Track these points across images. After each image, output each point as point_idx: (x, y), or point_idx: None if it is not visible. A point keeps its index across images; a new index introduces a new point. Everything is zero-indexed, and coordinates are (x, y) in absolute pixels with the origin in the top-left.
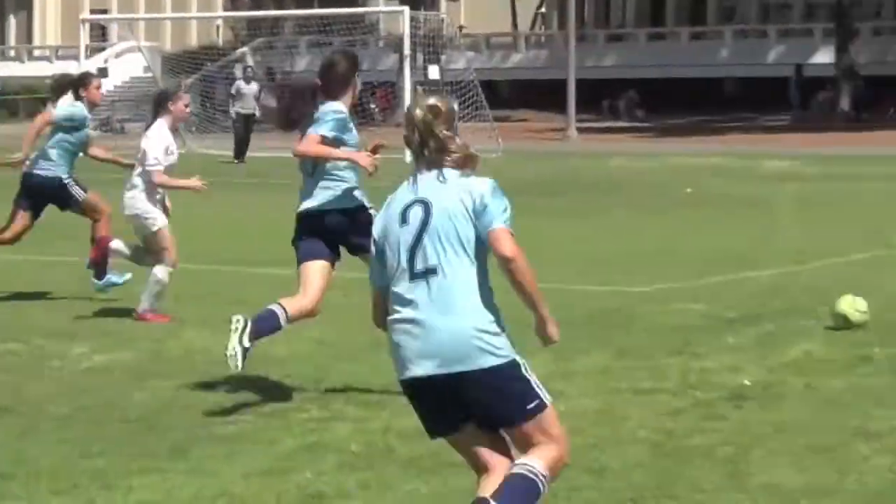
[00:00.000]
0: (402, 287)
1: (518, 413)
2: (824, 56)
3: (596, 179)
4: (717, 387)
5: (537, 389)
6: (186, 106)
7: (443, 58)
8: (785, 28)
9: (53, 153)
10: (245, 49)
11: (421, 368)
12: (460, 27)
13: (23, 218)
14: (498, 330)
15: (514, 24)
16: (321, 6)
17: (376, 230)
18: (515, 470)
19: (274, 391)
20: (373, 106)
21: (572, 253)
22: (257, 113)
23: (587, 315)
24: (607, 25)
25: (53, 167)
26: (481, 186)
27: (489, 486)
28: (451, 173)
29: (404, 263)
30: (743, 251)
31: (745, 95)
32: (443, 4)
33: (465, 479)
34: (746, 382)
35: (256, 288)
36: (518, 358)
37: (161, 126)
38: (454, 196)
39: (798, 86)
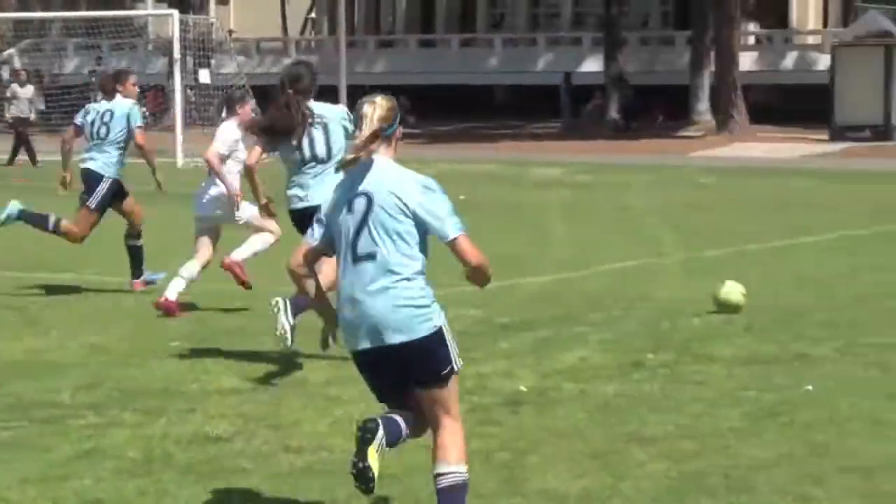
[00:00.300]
0: (347, 268)
1: (434, 376)
2: (593, 65)
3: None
4: (493, 392)
5: (453, 356)
6: (253, 111)
7: (213, 62)
8: (554, 36)
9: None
10: (12, 51)
11: (365, 342)
12: (230, 31)
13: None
14: (428, 302)
15: (285, 29)
16: (89, 8)
17: (326, 206)
18: (456, 480)
19: (50, 397)
20: (143, 109)
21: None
22: (32, 116)
23: None
24: (377, 32)
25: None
26: (413, 188)
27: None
28: (386, 168)
29: (349, 247)
30: (516, 257)
31: (515, 103)
32: (212, 8)
33: (244, 483)
34: (522, 388)
35: (27, 294)
36: (443, 325)
37: (231, 124)
38: (390, 192)
39: (568, 94)
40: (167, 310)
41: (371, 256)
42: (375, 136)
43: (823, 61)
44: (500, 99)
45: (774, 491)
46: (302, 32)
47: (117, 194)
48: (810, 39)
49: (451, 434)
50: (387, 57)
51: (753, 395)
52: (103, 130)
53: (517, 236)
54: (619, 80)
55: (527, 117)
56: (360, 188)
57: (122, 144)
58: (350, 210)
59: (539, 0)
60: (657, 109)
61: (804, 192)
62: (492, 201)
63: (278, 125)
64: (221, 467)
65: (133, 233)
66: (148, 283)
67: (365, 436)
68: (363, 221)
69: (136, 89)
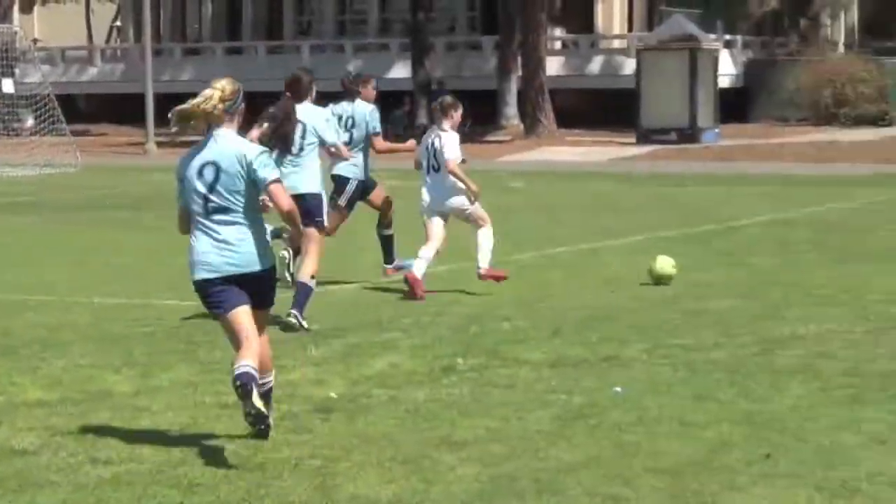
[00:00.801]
0: (203, 218)
1: (270, 301)
2: (401, 70)
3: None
4: (304, 400)
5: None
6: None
7: (17, 71)
8: (361, 43)
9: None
10: None
11: (222, 272)
12: (34, 40)
13: (342, 215)
14: (267, 243)
15: (90, 38)
16: None
17: (180, 172)
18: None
19: None
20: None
21: (157, 267)
22: None
23: (171, 329)
24: (184, 39)
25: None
26: (250, 152)
27: (250, 351)
28: (226, 139)
29: (202, 203)
30: (325, 265)
31: None
32: (16, 17)
33: (51, 496)
34: (333, 395)
35: None
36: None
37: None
38: (233, 158)
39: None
40: (413, 285)
41: (224, 209)
42: (208, 113)
43: (629, 65)
44: None
45: (584, 492)
46: (108, 40)
47: (365, 192)
48: (616, 44)
49: (266, 347)
50: (193, 64)
51: (562, 397)
52: (345, 136)
53: (327, 243)
54: (427, 85)
55: None
56: (209, 158)
57: (363, 146)
58: (201, 175)
59: (346, 6)
60: (465, 114)
61: (612, 195)
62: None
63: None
64: (28, 481)
65: (384, 222)
66: (399, 268)
67: (246, 388)
68: (214, 183)
69: (374, 92)
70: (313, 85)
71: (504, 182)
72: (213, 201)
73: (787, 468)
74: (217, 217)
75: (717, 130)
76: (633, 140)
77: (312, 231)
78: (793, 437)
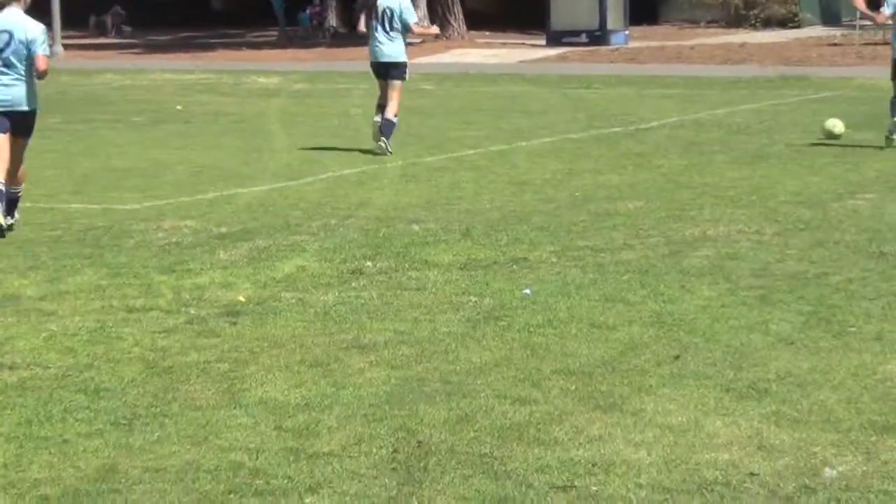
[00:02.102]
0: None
1: (29, 134)
2: None
3: (85, 96)
4: (211, 303)
5: None
6: None
7: None
8: None
9: None
10: None
11: (5, 108)
12: None
13: None
14: (34, 91)
15: None
16: None
17: None
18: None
19: None
20: None
21: (62, 171)
22: None
23: (78, 233)
24: None
25: None
26: (34, 27)
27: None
28: (19, 14)
29: None
30: (233, 167)
31: (233, 12)
32: None
33: None
34: (241, 298)
35: None
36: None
37: None
38: (22, 29)
39: (283, 1)
40: None
41: (11, 65)
42: None
43: None
44: (218, 8)
45: (494, 394)
46: None
47: None
48: None
49: (21, 167)
50: None
51: (472, 299)
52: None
53: (235, 146)
54: None
55: (245, 26)
56: (4, 27)
57: None
58: None
59: None
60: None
61: (522, 97)
62: (210, 111)
63: None
64: None
65: None
66: None
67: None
68: (6, 46)
69: None
70: None
71: (415, 84)
72: (2, 58)
73: (697, 369)
74: (4, 70)
75: (626, 32)
76: (543, 42)
77: (397, 83)
78: (702, 338)
